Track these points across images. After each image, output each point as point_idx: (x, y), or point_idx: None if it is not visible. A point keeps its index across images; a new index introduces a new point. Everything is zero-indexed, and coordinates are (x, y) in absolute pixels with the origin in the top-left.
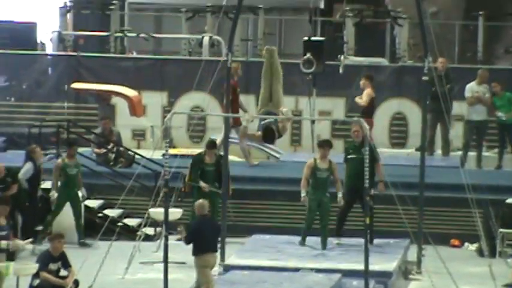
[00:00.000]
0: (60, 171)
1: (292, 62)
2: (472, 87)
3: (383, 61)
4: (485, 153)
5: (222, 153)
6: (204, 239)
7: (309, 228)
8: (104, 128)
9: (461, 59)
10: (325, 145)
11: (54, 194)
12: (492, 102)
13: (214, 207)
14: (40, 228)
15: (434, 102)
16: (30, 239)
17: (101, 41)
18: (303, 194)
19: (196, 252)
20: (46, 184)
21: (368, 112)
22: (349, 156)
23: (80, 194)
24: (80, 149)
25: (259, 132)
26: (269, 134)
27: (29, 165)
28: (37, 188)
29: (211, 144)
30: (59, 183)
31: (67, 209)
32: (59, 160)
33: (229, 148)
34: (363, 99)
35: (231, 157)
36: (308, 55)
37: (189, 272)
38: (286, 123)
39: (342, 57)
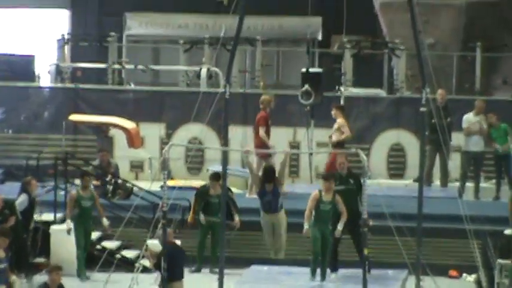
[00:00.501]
0: (75, 203)
1: (290, 93)
2: (469, 118)
3: (381, 92)
4: (483, 184)
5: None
6: (176, 266)
7: (318, 257)
8: (101, 160)
9: (459, 90)
10: (329, 177)
11: (69, 224)
12: (489, 134)
13: (217, 238)
14: (39, 260)
15: (434, 134)
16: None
17: (98, 73)
18: (306, 227)
19: (168, 279)
20: (45, 216)
21: (340, 143)
22: (335, 188)
23: (104, 222)
24: (78, 181)
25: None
26: (269, 173)
27: (23, 197)
28: (30, 220)
29: (215, 176)
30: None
31: (65, 241)
32: (73, 192)
33: (228, 179)
34: (345, 133)
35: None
36: (306, 86)
37: None
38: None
39: (343, 89)
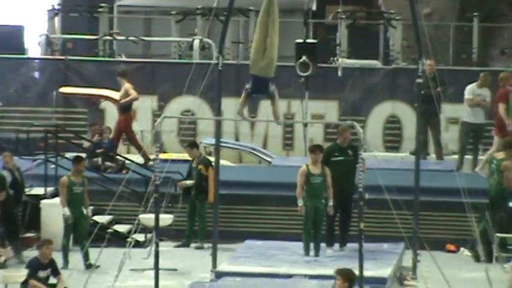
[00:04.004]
0: (67, 189)
1: (284, 64)
2: (473, 90)
3: (376, 63)
4: (481, 157)
5: (208, 156)
6: None
7: (310, 236)
8: (94, 133)
9: (456, 61)
10: (316, 150)
11: (66, 212)
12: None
13: (200, 213)
14: (29, 235)
15: (423, 105)
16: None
17: (89, 44)
18: (300, 203)
19: None
20: (35, 190)
21: (126, 107)
22: (334, 159)
23: (85, 212)
24: (69, 154)
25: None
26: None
27: (5, 173)
28: (20, 194)
29: (191, 144)
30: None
31: (55, 215)
32: (65, 178)
33: (221, 152)
34: (131, 95)
35: (222, 162)
36: (304, 58)
37: (180, 279)
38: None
39: (340, 60)
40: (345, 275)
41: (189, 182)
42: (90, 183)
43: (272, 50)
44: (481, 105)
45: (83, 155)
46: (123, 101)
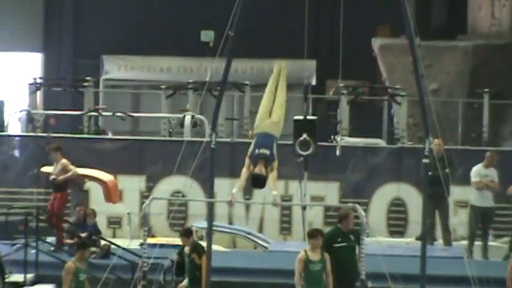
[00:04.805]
0: (73, 277)
1: (282, 142)
2: (479, 171)
3: (380, 142)
4: (492, 243)
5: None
6: None
7: None
8: (78, 215)
9: (465, 140)
10: (317, 235)
11: None
12: None
13: None
14: None
15: (431, 187)
16: None
17: (73, 120)
18: None
19: None
20: (14, 277)
21: (63, 185)
22: (336, 245)
23: None
24: (50, 239)
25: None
26: (259, 180)
27: None
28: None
29: (186, 232)
30: None
31: None
32: (71, 263)
33: (213, 236)
34: (69, 171)
35: (215, 247)
36: (304, 136)
37: None
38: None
39: (338, 139)
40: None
41: (185, 283)
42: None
43: (280, 109)
44: (489, 187)
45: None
46: (61, 177)
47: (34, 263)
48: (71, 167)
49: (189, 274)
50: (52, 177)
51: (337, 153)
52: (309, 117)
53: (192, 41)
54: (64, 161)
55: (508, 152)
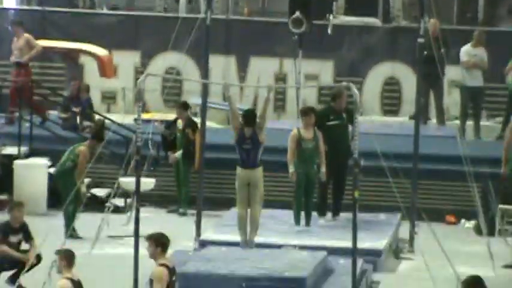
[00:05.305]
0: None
1: (277, 20)
2: (468, 51)
3: (375, 21)
4: (485, 123)
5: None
6: None
7: (301, 205)
8: (72, 90)
9: (460, 20)
10: (309, 112)
11: (83, 189)
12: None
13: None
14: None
15: (426, 66)
16: None
17: None
18: (291, 170)
19: None
20: (8, 150)
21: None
22: (329, 123)
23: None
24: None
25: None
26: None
27: None
28: None
29: (183, 104)
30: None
31: (29, 176)
32: (84, 148)
33: (208, 113)
34: (35, 47)
35: (209, 123)
36: (297, 13)
37: None
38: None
39: (331, 17)
40: (156, 239)
41: (178, 154)
42: (67, 143)
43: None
44: (478, 66)
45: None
46: (27, 56)
47: (27, 136)
48: (36, 42)
49: (183, 149)
50: (15, 60)
51: (329, 31)
52: None
53: None
54: (27, 35)
55: (499, 32)
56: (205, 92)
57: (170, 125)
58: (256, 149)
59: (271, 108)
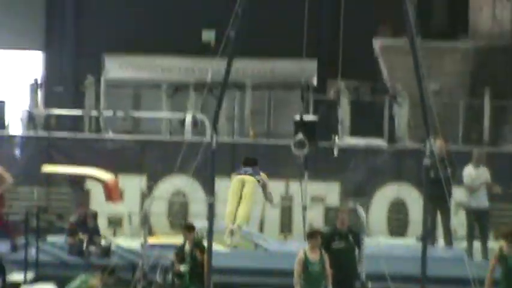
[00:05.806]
0: None
1: (282, 143)
2: (470, 172)
3: (381, 142)
4: (493, 244)
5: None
6: None
7: None
8: (79, 215)
9: (466, 140)
10: (315, 235)
11: None
12: None
13: None
14: None
15: (432, 188)
16: None
17: (74, 120)
18: None
19: None
20: (14, 276)
21: None
22: (334, 246)
23: None
24: (51, 239)
25: None
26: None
27: None
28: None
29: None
30: None
31: None
32: (97, 281)
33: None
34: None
35: (215, 246)
36: (300, 136)
37: None
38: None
39: (336, 139)
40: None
41: (183, 267)
42: (72, 268)
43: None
44: (490, 189)
45: None
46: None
47: (34, 263)
48: (7, 174)
49: (190, 271)
50: None
51: (335, 153)
52: (307, 117)
53: (193, 40)
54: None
55: (504, 154)
56: (211, 215)
57: (181, 248)
58: None
59: (277, 230)
